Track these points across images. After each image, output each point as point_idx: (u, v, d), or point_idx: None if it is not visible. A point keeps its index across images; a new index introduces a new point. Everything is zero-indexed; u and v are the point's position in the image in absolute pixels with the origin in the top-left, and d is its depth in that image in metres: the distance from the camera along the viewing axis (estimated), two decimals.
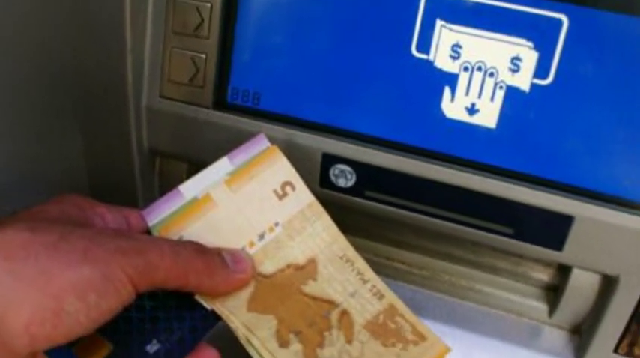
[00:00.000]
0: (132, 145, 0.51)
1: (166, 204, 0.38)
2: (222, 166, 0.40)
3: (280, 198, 0.40)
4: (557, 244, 0.44)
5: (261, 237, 0.39)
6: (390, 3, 0.43)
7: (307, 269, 0.39)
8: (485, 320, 0.52)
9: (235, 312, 0.36)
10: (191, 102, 0.48)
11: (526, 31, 0.41)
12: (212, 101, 0.48)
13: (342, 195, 0.47)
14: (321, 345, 0.36)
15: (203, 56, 0.47)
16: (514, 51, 0.41)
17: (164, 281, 0.33)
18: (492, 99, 0.43)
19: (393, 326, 0.37)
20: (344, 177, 0.47)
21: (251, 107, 0.48)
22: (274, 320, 0.36)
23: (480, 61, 0.42)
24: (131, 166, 0.52)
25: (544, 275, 0.53)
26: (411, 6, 0.42)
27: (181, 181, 0.39)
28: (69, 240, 0.30)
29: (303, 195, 0.40)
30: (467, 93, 0.43)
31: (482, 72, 0.42)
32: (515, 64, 0.41)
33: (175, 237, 0.37)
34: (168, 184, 0.49)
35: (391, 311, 0.38)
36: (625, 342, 0.47)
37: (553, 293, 0.52)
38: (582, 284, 0.48)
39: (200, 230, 0.38)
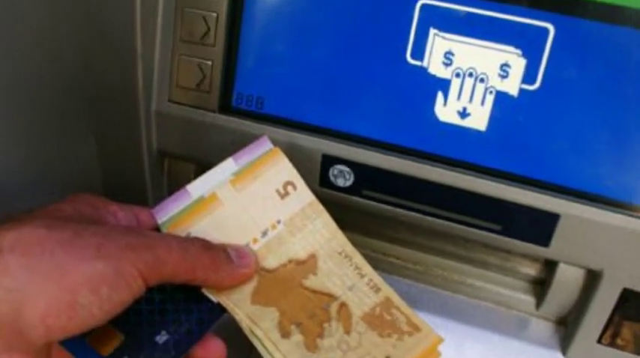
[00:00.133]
0: (142, 147, 0.51)
1: (175, 203, 0.38)
2: (227, 167, 0.40)
3: (282, 197, 0.40)
4: (544, 240, 0.44)
5: (265, 233, 0.39)
6: (386, 13, 0.43)
7: (308, 264, 0.39)
8: (476, 312, 0.52)
9: (240, 305, 0.36)
10: (198, 107, 0.48)
11: (514, 39, 0.41)
12: (218, 105, 0.48)
13: (340, 194, 0.47)
14: (320, 336, 0.36)
15: (209, 63, 0.47)
16: (503, 58, 0.41)
17: (172, 276, 0.32)
18: (483, 103, 0.43)
19: (388, 318, 0.37)
20: (342, 177, 0.47)
21: (255, 111, 0.48)
22: (277, 312, 0.36)
23: (471, 68, 0.42)
24: (141, 167, 0.52)
25: (532, 270, 0.53)
26: (406, 16, 0.42)
27: (189, 181, 0.39)
28: (83, 237, 0.30)
29: (304, 194, 0.40)
30: (459, 97, 0.43)
31: (473, 78, 0.42)
32: (504, 70, 0.41)
33: (183, 234, 0.37)
34: (176, 184, 0.49)
35: (387, 304, 0.38)
36: (608, 333, 0.46)
37: (540, 286, 0.52)
38: (568, 279, 0.48)
39: (206, 227, 0.38)
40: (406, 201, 0.46)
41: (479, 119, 0.43)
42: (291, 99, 0.47)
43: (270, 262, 0.38)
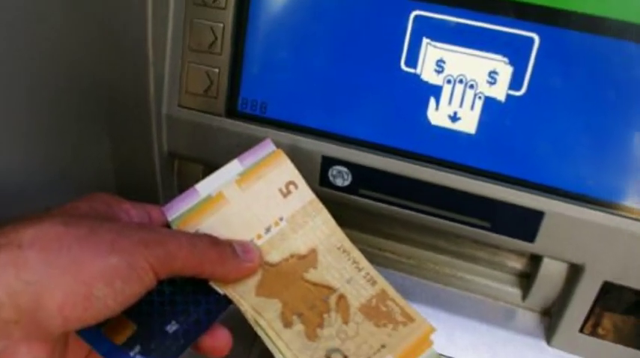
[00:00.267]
0: (153, 149, 0.51)
1: (184, 201, 0.38)
2: (233, 167, 0.40)
3: (285, 195, 0.40)
4: (530, 236, 0.44)
5: (268, 230, 0.39)
6: (382, 23, 0.43)
7: (308, 259, 0.39)
8: (466, 303, 0.52)
9: (245, 297, 0.36)
10: (206, 111, 0.48)
11: (502, 48, 0.41)
12: (224, 110, 0.48)
13: (339, 193, 0.47)
14: (320, 326, 0.36)
15: (216, 70, 0.47)
16: (491, 65, 0.41)
17: (182, 269, 0.32)
18: (472, 108, 0.42)
19: (384, 309, 0.37)
20: (341, 177, 0.47)
21: (259, 115, 0.48)
22: (279, 303, 0.36)
23: (462, 75, 0.42)
24: (153, 167, 0.52)
25: (518, 264, 0.53)
26: (400, 26, 0.42)
27: (197, 181, 0.39)
28: (98, 233, 0.30)
29: (304, 193, 0.40)
30: (450, 102, 0.43)
31: (463, 84, 0.42)
32: (492, 77, 0.41)
33: (192, 230, 0.37)
34: (185, 183, 0.49)
35: (383, 296, 0.38)
36: (589, 323, 0.46)
37: (526, 279, 0.52)
38: (552, 272, 0.48)
39: (214, 224, 0.38)
40: (401, 199, 0.46)
41: (469, 123, 0.43)
42: (293, 104, 0.47)
43: (273, 257, 0.38)
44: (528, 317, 0.51)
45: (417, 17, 0.42)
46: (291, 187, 0.40)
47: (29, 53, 0.41)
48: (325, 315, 0.36)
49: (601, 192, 0.42)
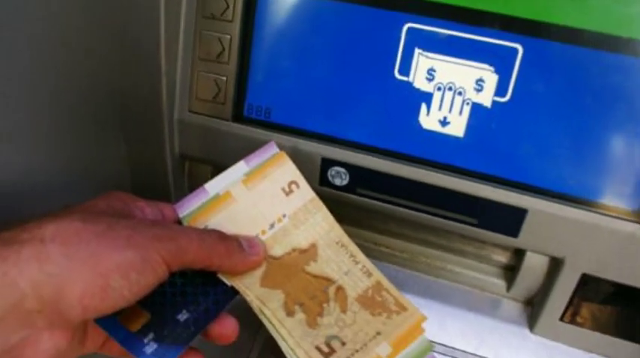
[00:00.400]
0: (166, 151, 0.51)
1: (194, 199, 0.38)
2: (239, 168, 0.40)
3: (287, 194, 0.40)
4: (514, 232, 0.44)
5: (272, 226, 0.39)
6: (377, 35, 0.43)
7: (309, 253, 0.39)
8: (455, 294, 0.52)
9: (250, 288, 0.36)
10: (214, 116, 0.48)
11: (488, 58, 0.41)
12: (231, 115, 0.48)
13: (337, 192, 0.47)
14: (320, 315, 0.36)
15: (224, 78, 0.47)
16: (478, 74, 0.41)
17: (192, 262, 0.32)
18: (461, 113, 0.42)
19: (379, 299, 0.37)
20: (339, 177, 0.47)
21: (263, 120, 0.48)
22: (282, 294, 0.36)
23: (451, 82, 0.42)
24: (165, 169, 0.52)
25: (503, 258, 0.53)
26: (394, 37, 0.42)
27: (206, 181, 0.39)
28: (115, 229, 0.30)
29: (306, 192, 0.40)
30: (440, 108, 0.43)
31: (452, 91, 0.42)
32: (479, 84, 0.41)
33: (201, 226, 0.37)
34: (195, 183, 0.49)
35: (378, 287, 0.38)
36: (569, 312, 0.46)
37: (510, 272, 0.52)
38: (534, 265, 0.48)
39: (222, 220, 0.38)
40: (395, 198, 0.46)
41: (457, 127, 0.43)
42: (295, 110, 0.47)
43: (277, 251, 0.38)
44: (512, 307, 0.51)
45: (409, 29, 0.42)
46: (293, 186, 0.40)
47: (53, 64, 0.41)
48: (325, 305, 0.36)
49: (580, 191, 0.42)
